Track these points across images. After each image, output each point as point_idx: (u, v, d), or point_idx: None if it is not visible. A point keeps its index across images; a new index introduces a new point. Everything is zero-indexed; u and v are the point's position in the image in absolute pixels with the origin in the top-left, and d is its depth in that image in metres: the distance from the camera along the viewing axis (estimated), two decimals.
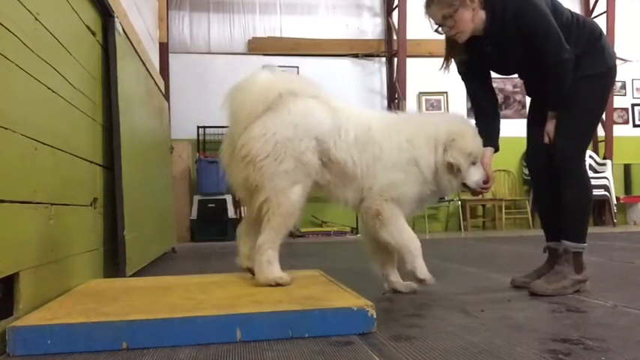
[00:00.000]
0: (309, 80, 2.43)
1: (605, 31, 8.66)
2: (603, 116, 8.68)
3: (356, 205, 2.42)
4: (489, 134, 2.52)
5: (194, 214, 7.33)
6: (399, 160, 2.35)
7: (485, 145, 2.48)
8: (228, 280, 2.43)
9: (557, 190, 2.45)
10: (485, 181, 2.47)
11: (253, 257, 2.30)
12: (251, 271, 2.34)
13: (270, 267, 2.18)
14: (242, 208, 7.44)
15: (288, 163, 2.16)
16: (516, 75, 2.67)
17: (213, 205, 7.32)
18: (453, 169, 2.37)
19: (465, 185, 2.46)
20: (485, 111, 2.62)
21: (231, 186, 2.34)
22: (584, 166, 2.47)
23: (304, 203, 2.26)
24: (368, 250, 2.57)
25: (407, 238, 2.38)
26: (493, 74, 2.66)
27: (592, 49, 2.39)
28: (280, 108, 2.20)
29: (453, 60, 2.58)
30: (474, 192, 2.58)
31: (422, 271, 2.36)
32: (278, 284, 2.16)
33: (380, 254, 2.51)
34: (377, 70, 9.00)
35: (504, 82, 8.39)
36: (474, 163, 2.43)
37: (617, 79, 8.94)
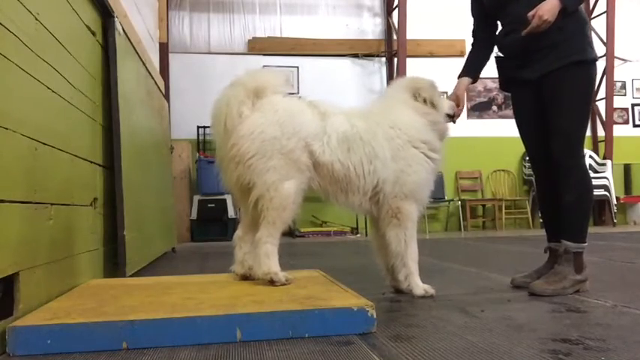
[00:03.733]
0: (279, 76, 2.45)
1: (605, 31, 8.72)
2: (603, 116, 8.77)
3: (366, 209, 2.43)
4: (469, 64, 2.76)
5: (194, 214, 7.33)
6: (393, 149, 2.36)
7: (462, 75, 2.75)
8: (228, 280, 2.43)
9: (557, 189, 2.44)
10: (457, 105, 2.69)
11: (247, 262, 2.34)
12: (245, 277, 2.36)
13: (267, 260, 2.19)
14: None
15: (276, 160, 2.19)
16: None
17: (213, 205, 7.31)
18: (433, 106, 2.50)
19: (447, 115, 2.63)
20: (477, 43, 2.79)
21: (226, 187, 2.38)
22: (584, 163, 2.44)
23: (300, 199, 2.27)
24: (376, 249, 2.57)
25: (411, 251, 2.41)
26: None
27: (579, 32, 2.39)
28: (267, 108, 2.25)
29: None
30: (450, 118, 2.67)
31: (419, 289, 2.39)
32: (272, 280, 2.16)
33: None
34: (377, 70, 9.00)
35: None
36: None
37: (616, 79, 8.86)
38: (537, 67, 2.45)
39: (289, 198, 2.20)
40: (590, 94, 2.46)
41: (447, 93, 9.01)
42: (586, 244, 2.41)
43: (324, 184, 2.34)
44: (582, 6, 2.47)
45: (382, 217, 2.41)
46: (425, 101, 2.50)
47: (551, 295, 2.29)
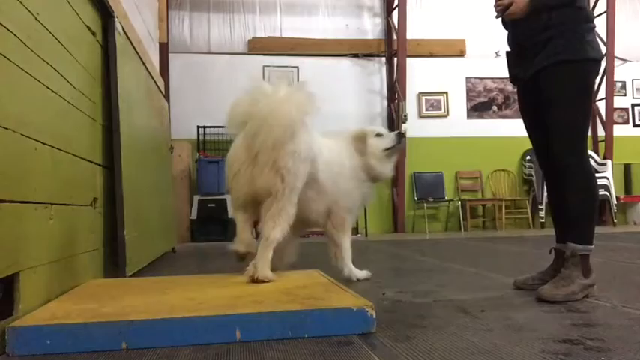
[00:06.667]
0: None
1: (605, 31, 8.74)
2: (603, 116, 8.77)
3: (321, 216, 2.83)
4: None
5: (194, 214, 7.33)
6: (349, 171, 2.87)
7: None
8: (228, 280, 2.43)
9: (560, 190, 2.39)
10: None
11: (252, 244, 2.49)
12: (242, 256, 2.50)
13: (268, 265, 2.33)
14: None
15: (301, 180, 2.43)
16: None
17: (213, 205, 7.31)
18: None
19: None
20: None
21: (241, 189, 2.39)
22: (587, 163, 2.35)
23: None
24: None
25: (349, 248, 2.94)
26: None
27: (571, 30, 2.32)
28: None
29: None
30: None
31: (356, 274, 2.89)
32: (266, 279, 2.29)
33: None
34: (377, 70, 9.01)
35: (504, 82, 8.39)
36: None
37: (616, 79, 8.83)
38: (529, 65, 2.41)
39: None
40: (588, 90, 2.38)
41: (446, 93, 9.08)
42: (592, 246, 2.32)
43: (312, 193, 2.64)
44: (585, 4, 2.39)
45: (335, 226, 2.92)
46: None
47: (561, 300, 2.19)
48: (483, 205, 8.78)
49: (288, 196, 2.35)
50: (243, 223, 2.50)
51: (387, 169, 3.01)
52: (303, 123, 2.36)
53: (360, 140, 2.97)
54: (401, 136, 3.03)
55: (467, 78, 8.90)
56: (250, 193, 2.37)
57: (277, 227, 2.34)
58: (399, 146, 3.01)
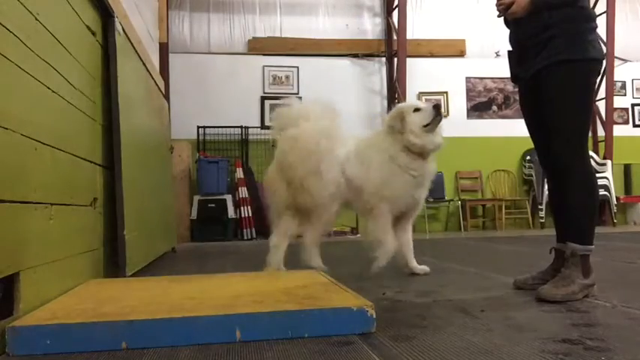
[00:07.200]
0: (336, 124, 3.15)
1: (605, 31, 8.73)
2: (603, 116, 8.77)
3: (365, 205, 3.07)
4: None
5: (194, 214, 7.32)
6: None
7: None
8: (228, 280, 2.43)
9: (561, 190, 2.37)
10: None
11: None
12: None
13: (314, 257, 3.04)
14: (242, 209, 7.44)
15: (331, 186, 2.99)
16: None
17: (213, 205, 7.31)
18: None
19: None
20: None
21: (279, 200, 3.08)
22: (588, 163, 2.34)
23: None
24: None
25: (381, 232, 3.04)
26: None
27: (572, 30, 2.30)
28: None
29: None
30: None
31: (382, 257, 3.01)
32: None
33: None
34: (377, 70, 9.00)
35: (504, 82, 8.40)
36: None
37: (616, 79, 8.80)
38: (530, 64, 2.40)
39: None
40: (585, 93, 2.36)
41: (446, 93, 9.08)
42: (593, 246, 2.31)
43: (350, 191, 3.06)
44: (586, 3, 2.37)
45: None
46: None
47: (561, 300, 2.17)
48: (483, 205, 8.78)
49: (320, 205, 2.97)
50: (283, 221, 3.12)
51: (429, 141, 2.95)
52: (327, 150, 2.95)
53: (398, 119, 2.98)
54: (437, 107, 2.97)
55: (467, 78, 8.89)
56: (288, 204, 3.05)
57: (311, 232, 3.07)
58: (438, 119, 2.95)
